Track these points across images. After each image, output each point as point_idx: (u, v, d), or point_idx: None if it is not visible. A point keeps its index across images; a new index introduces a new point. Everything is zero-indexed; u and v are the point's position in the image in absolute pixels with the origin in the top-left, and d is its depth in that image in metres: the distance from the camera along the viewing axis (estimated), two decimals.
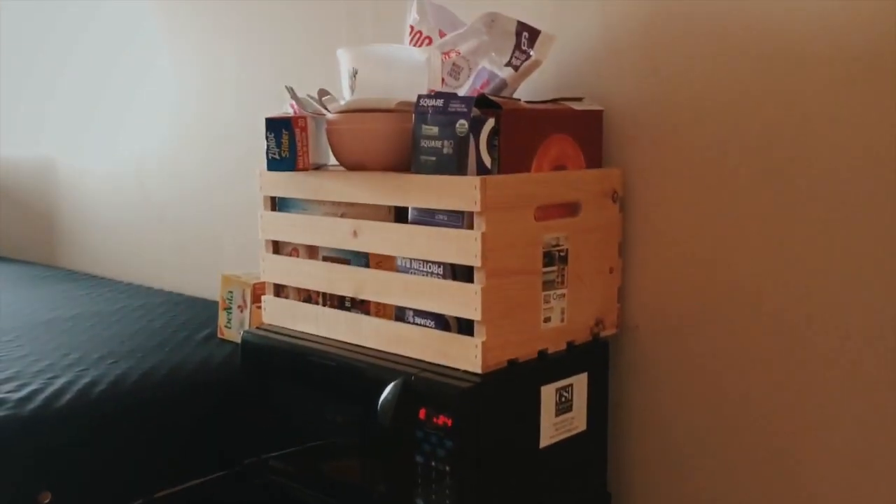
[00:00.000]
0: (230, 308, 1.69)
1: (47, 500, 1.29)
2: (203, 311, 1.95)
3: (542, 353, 1.20)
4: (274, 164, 1.29)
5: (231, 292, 1.68)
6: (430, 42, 1.37)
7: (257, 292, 1.62)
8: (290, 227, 1.35)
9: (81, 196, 2.65)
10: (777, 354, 1.20)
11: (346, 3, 1.75)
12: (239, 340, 1.39)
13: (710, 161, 1.24)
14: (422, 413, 1.12)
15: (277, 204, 1.38)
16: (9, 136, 2.97)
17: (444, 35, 1.36)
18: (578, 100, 1.30)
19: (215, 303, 1.79)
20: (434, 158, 1.14)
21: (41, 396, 1.35)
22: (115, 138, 2.47)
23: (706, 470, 1.29)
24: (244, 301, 1.66)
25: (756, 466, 1.23)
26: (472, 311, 1.11)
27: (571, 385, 1.23)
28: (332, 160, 1.33)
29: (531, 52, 1.26)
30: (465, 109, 1.11)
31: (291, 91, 1.34)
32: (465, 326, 1.15)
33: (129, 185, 2.43)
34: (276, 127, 1.27)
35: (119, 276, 2.48)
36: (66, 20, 2.62)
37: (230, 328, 1.69)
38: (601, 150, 1.32)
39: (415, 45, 1.38)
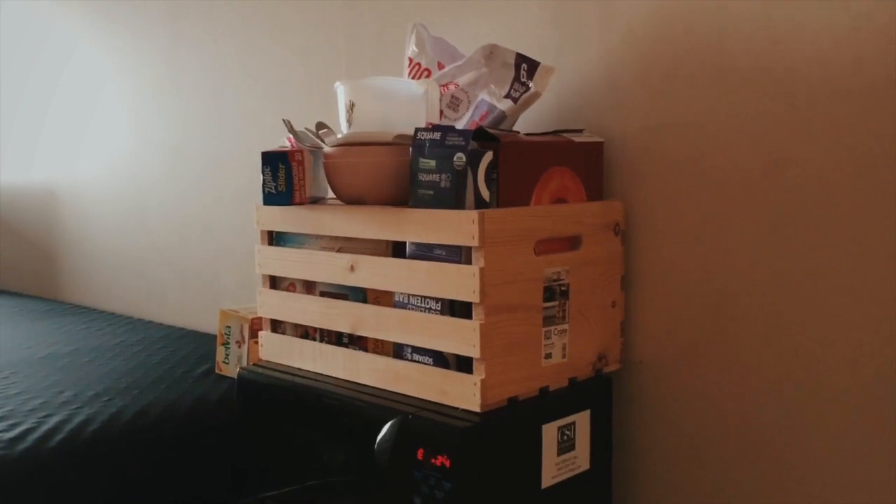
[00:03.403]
0: (228, 343, 1.66)
1: None
2: (203, 345, 1.93)
3: (544, 391, 1.17)
4: (270, 199, 1.27)
5: (229, 327, 1.66)
6: (429, 74, 1.36)
7: (255, 327, 1.60)
8: (287, 262, 1.33)
9: (84, 228, 2.64)
10: (788, 387, 1.17)
11: (344, 37, 1.75)
12: (236, 376, 1.36)
13: (712, 192, 1.22)
14: (420, 453, 1.09)
15: (275, 238, 1.37)
16: (11, 164, 2.97)
17: (443, 67, 1.35)
18: (579, 131, 1.28)
19: (216, 337, 1.77)
20: (432, 192, 1.12)
21: (33, 436, 1.33)
22: (118, 169, 2.46)
23: None
24: (242, 336, 1.63)
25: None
26: (471, 348, 1.08)
27: (574, 423, 1.20)
28: (331, 194, 1.32)
29: (530, 84, 1.24)
30: (463, 142, 1.09)
31: (288, 124, 1.32)
32: (463, 364, 1.12)
33: (131, 217, 2.43)
34: (273, 161, 1.25)
35: (120, 310, 2.46)
36: (70, 52, 2.62)
37: (228, 364, 1.67)
38: (602, 182, 1.30)
39: (414, 78, 1.37)
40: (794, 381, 1.16)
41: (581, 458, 1.22)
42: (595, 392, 1.25)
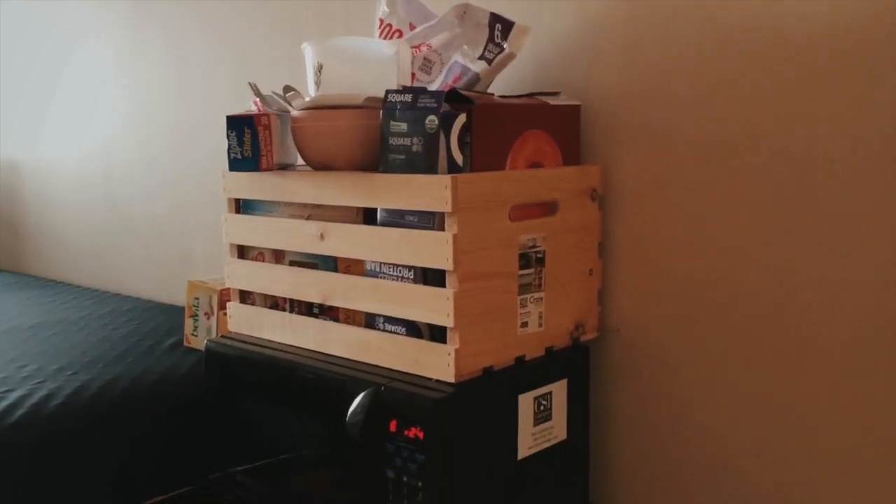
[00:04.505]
0: (196, 315, 1.62)
1: None
2: (171, 318, 1.88)
3: (520, 360, 1.15)
4: (236, 164, 1.23)
5: (197, 299, 1.62)
6: (401, 35, 1.31)
7: (224, 299, 1.56)
8: (255, 231, 1.29)
9: (48, 200, 2.57)
10: (766, 352, 1.15)
11: None
12: (204, 349, 1.33)
13: (692, 156, 1.19)
14: (392, 425, 1.06)
15: (242, 206, 1.32)
16: None
17: (415, 28, 1.30)
18: (555, 94, 1.25)
19: (184, 309, 1.72)
20: (403, 156, 1.08)
21: None
22: (81, 140, 2.39)
23: (693, 478, 1.24)
24: (211, 308, 1.59)
25: (748, 473, 1.18)
26: (444, 318, 1.05)
27: (550, 392, 1.18)
28: (300, 161, 1.27)
29: (505, 45, 1.20)
30: (435, 104, 1.05)
31: (255, 88, 1.28)
32: (437, 333, 1.09)
33: (96, 188, 2.36)
34: (238, 125, 1.21)
35: (87, 283, 2.41)
36: (32, 23, 2.54)
37: (196, 336, 1.63)
38: (579, 146, 1.27)
39: (384, 39, 1.32)
40: (773, 347, 1.14)
41: (558, 428, 1.20)
42: (572, 361, 1.23)
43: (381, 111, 1.11)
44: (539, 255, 1.16)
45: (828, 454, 1.11)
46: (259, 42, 1.83)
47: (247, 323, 1.32)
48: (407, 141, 1.08)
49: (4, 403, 1.32)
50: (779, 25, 1.10)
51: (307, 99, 1.21)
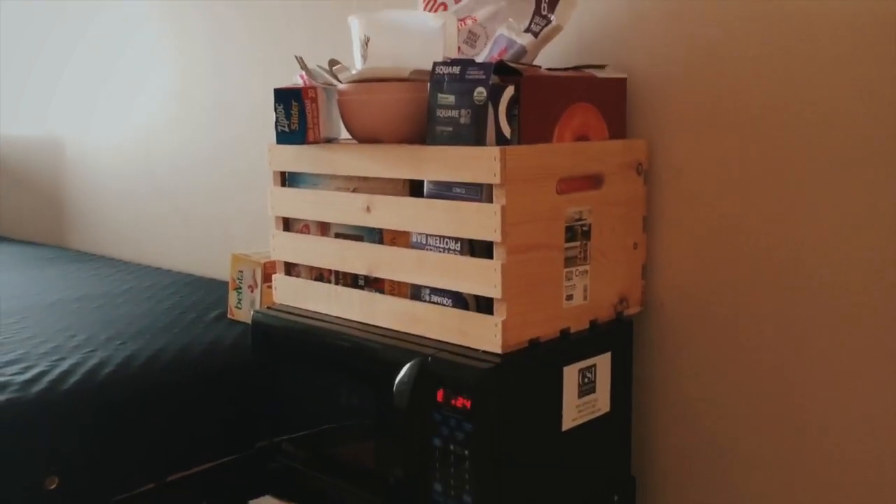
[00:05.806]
0: (240, 288, 1.65)
1: (54, 486, 1.26)
2: (213, 291, 1.91)
3: (565, 333, 1.15)
4: (283, 138, 1.24)
5: (241, 272, 1.64)
6: (446, 8, 1.31)
7: (268, 272, 1.58)
8: (301, 203, 1.30)
9: (90, 176, 2.61)
10: (811, 330, 1.15)
11: None
12: (249, 321, 1.35)
13: (737, 131, 1.18)
14: (439, 395, 1.08)
15: (288, 179, 1.34)
16: (16, 115, 2.94)
17: (460, 1, 1.30)
18: (601, 67, 1.24)
19: (226, 283, 1.75)
20: (451, 129, 1.09)
21: (47, 378, 1.32)
22: (123, 116, 2.43)
23: (735, 452, 1.24)
24: (255, 281, 1.61)
25: (790, 451, 1.18)
26: (492, 289, 1.06)
27: (595, 365, 1.18)
28: (345, 134, 1.28)
29: (552, 18, 1.20)
30: (484, 76, 1.05)
31: (301, 61, 1.28)
32: (483, 305, 1.10)
33: (137, 164, 2.39)
34: (286, 98, 1.22)
35: (128, 257, 2.45)
36: (75, 3, 2.57)
37: (240, 308, 1.65)
38: (625, 120, 1.26)
39: (429, 12, 1.32)
40: (818, 326, 1.14)
41: (601, 401, 1.20)
42: (616, 334, 1.23)
43: (427, 84, 1.11)
44: (585, 228, 1.16)
45: (878, 431, 1.10)
46: (300, 16, 1.83)
47: (292, 295, 1.34)
48: (454, 113, 1.08)
49: (58, 370, 1.35)
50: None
51: (354, 72, 1.21)
